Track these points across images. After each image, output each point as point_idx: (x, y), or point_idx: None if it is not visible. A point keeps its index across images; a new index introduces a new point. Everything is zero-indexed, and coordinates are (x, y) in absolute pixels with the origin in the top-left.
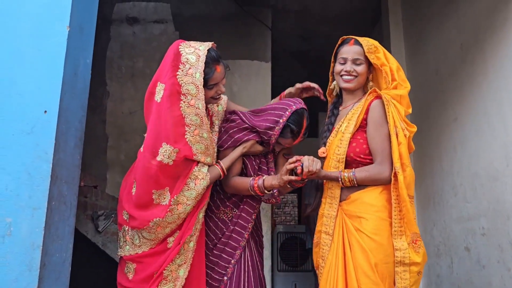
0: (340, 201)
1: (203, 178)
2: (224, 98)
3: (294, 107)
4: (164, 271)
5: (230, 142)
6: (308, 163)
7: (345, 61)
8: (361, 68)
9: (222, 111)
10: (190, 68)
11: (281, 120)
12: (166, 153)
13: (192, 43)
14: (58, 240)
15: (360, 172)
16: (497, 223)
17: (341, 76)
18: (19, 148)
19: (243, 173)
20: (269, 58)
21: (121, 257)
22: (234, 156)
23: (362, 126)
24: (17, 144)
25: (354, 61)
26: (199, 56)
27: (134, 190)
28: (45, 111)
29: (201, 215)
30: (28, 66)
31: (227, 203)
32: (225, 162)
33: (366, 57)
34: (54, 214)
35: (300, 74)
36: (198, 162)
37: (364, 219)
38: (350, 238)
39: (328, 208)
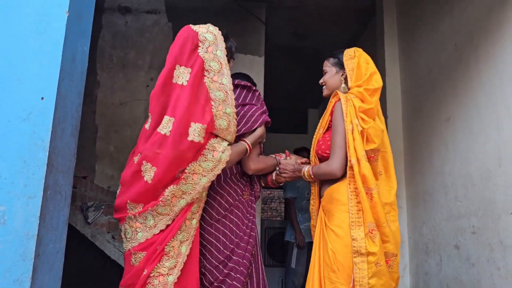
0: (320, 197)
1: (222, 151)
2: None
3: None
4: (165, 247)
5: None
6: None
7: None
8: (327, 76)
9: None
10: (209, 46)
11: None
12: (195, 131)
13: (198, 25)
14: (52, 230)
15: (315, 167)
16: (487, 222)
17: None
18: (15, 135)
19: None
20: (263, 52)
21: (127, 253)
22: (257, 135)
23: (330, 127)
24: (13, 131)
25: (323, 72)
26: (215, 35)
27: (150, 176)
28: (42, 98)
29: (204, 194)
30: (27, 51)
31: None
32: (249, 138)
33: (331, 65)
34: (49, 203)
35: (293, 70)
36: (217, 136)
37: (331, 214)
38: (323, 233)
39: (312, 204)
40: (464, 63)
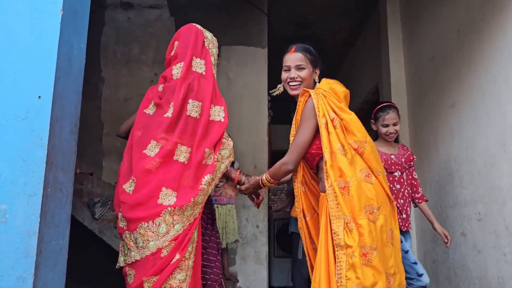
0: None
1: (231, 141)
2: None
3: None
4: (192, 234)
5: None
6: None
7: (289, 69)
8: (304, 73)
9: None
10: (209, 44)
11: None
12: (215, 112)
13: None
14: (54, 227)
15: (271, 169)
16: (493, 209)
17: (288, 83)
18: (14, 134)
19: None
20: (265, 44)
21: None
22: None
23: None
24: (12, 130)
25: (297, 67)
26: (211, 35)
27: (185, 156)
28: (39, 97)
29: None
30: (22, 51)
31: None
32: None
33: (309, 62)
34: (50, 201)
35: None
36: None
37: None
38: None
39: (297, 206)
40: (467, 48)
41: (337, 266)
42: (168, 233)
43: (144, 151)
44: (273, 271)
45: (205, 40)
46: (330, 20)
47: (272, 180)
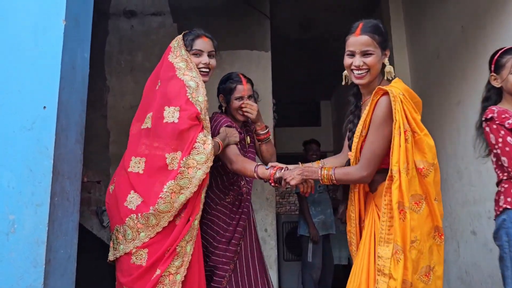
0: (367, 192)
1: (210, 144)
2: None
3: None
4: (177, 247)
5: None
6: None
7: (353, 54)
8: (372, 59)
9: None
10: (176, 51)
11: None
12: (169, 113)
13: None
14: (62, 236)
15: (341, 172)
16: None
17: (352, 71)
18: (20, 145)
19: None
20: (269, 47)
21: (121, 256)
22: (223, 135)
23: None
24: (18, 140)
25: (363, 53)
26: (178, 40)
27: (140, 167)
28: (44, 107)
29: (203, 196)
30: (26, 62)
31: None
32: (219, 137)
33: (377, 45)
34: (57, 210)
35: (300, 63)
36: (203, 128)
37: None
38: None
39: (352, 210)
40: (471, 45)
41: None
42: (134, 240)
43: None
44: (283, 275)
45: (171, 50)
46: (333, 20)
47: (333, 182)
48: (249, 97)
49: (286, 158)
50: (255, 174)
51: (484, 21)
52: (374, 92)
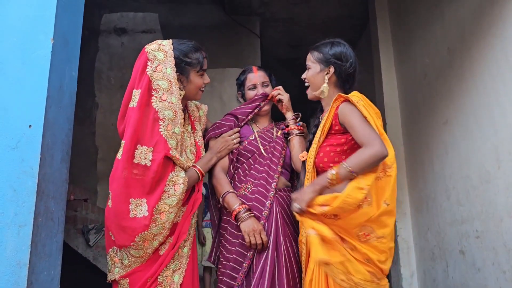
0: None
1: (182, 183)
2: (204, 106)
3: None
4: (158, 277)
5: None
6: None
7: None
8: (310, 73)
9: (204, 115)
10: (159, 65)
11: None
12: (142, 154)
13: (155, 41)
14: (45, 257)
15: (349, 159)
16: (490, 225)
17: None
18: (4, 164)
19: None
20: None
21: (113, 281)
22: (208, 158)
23: (330, 134)
24: (2, 159)
25: (307, 67)
26: (166, 52)
27: (110, 202)
28: (30, 126)
29: (193, 220)
30: (12, 80)
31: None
32: (200, 164)
33: (317, 60)
34: (41, 230)
35: (290, 82)
36: (174, 166)
37: None
38: None
39: None
40: (457, 66)
41: None
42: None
43: None
44: None
45: (148, 62)
46: (322, 40)
47: (353, 175)
48: (264, 85)
49: None
50: (220, 199)
51: (470, 43)
52: (334, 99)
